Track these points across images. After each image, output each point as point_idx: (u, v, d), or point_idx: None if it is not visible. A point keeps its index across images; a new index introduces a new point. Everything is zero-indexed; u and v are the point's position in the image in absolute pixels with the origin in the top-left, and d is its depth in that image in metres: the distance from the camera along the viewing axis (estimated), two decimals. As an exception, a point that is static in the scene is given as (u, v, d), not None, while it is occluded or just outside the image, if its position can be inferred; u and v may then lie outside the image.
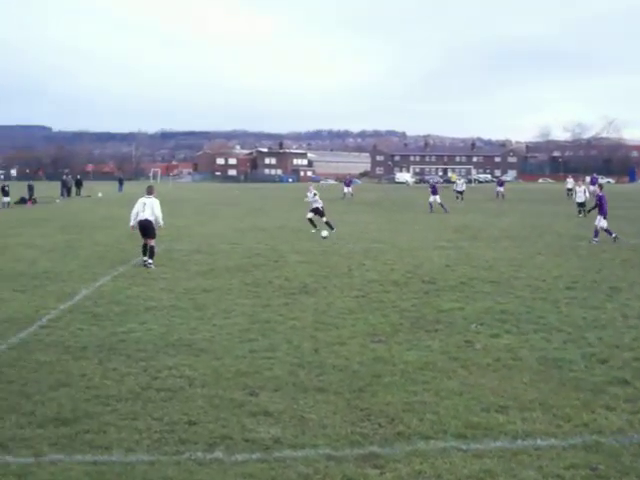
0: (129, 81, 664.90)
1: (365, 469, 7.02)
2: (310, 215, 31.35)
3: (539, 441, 7.71)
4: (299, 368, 10.34)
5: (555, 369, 10.33)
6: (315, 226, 30.74)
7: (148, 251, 20.99)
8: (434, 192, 47.29)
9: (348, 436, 7.82)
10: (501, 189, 66.46)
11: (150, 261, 20.80)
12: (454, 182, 76.78)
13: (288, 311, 14.34)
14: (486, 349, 11.38)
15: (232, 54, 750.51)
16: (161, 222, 21.35)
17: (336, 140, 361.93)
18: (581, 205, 40.89)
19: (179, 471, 6.99)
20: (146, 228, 21.05)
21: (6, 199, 53.40)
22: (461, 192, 60.34)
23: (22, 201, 58.85)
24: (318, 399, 9.02)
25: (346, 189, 68.13)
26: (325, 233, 28.38)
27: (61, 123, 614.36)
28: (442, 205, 45.81)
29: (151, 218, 21.07)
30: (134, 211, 21.28)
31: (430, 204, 46.70)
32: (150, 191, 21.76)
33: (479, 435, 7.87)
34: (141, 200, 21.40)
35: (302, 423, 8.22)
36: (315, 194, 31.11)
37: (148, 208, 21.11)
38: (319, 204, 31.01)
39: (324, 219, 30.84)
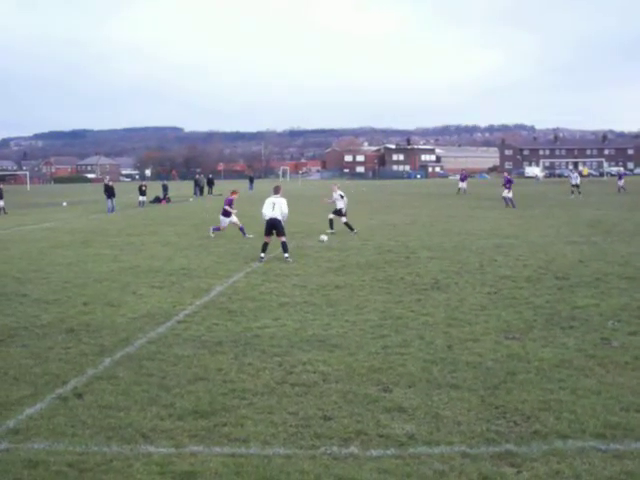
0: (257, 80, 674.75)
1: (501, 467, 6.95)
2: (332, 216, 30.62)
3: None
4: (432, 364, 10.31)
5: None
6: (332, 227, 30.13)
7: (282, 247, 21.99)
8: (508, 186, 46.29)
9: (483, 434, 7.76)
10: (620, 182, 64.65)
11: (287, 255, 21.73)
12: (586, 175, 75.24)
13: (420, 307, 14.31)
14: (624, 347, 11.07)
15: (358, 51, 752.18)
16: (285, 218, 22.54)
17: (464, 135, 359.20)
18: None
19: (315, 465, 7.07)
20: (276, 227, 22.14)
21: (142, 198, 54.99)
22: (576, 185, 58.42)
23: (157, 200, 60.62)
24: (452, 396, 8.98)
25: (461, 184, 67.44)
26: (324, 237, 27.06)
27: (193, 124, 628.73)
28: (511, 200, 44.94)
29: (280, 217, 22.17)
30: (264, 211, 22.35)
31: (504, 199, 45.81)
32: (277, 190, 22.80)
33: (619, 435, 7.67)
34: (270, 200, 22.48)
35: (436, 420, 8.20)
36: (342, 195, 30.09)
37: (277, 207, 22.22)
38: (342, 205, 29.98)
39: (343, 219, 29.90)
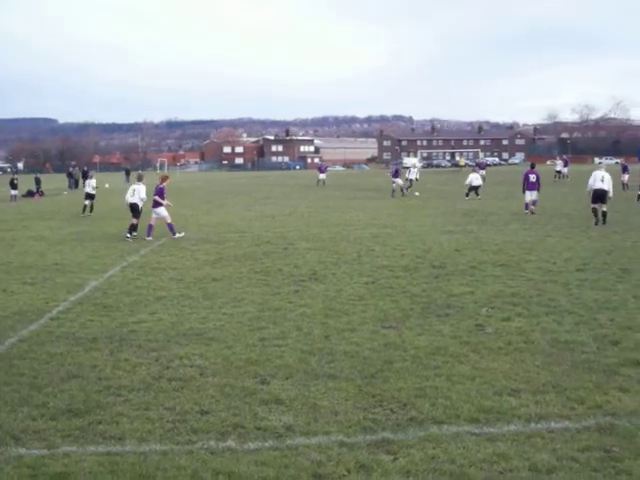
0: (135, 71, 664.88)
1: (378, 455, 7.00)
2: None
3: (552, 424, 7.67)
4: (310, 355, 10.31)
5: (567, 351, 10.28)
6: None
7: (129, 227, 25.42)
8: (395, 175, 47.39)
9: (360, 422, 7.80)
10: (483, 172, 66.54)
11: (128, 235, 25.15)
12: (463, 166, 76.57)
13: (298, 298, 14.32)
14: (497, 333, 11.34)
15: (236, 42, 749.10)
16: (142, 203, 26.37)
17: (343, 126, 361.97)
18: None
19: (192, 460, 6.96)
20: (134, 210, 26.02)
21: (14, 192, 53.28)
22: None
23: (29, 194, 58.92)
24: (329, 386, 8.99)
25: (321, 175, 68.05)
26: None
27: (67, 115, 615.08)
28: (402, 189, 45.93)
29: (138, 202, 26.12)
30: (127, 196, 26.44)
31: (394, 189, 46.82)
32: (139, 178, 27.14)
33: (492, 419, 7.84)
34: (132, 187, 26.71)
35: (314, 410, 8.19)
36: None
37: (136, 193, 26.18)
38: None
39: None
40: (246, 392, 8.85)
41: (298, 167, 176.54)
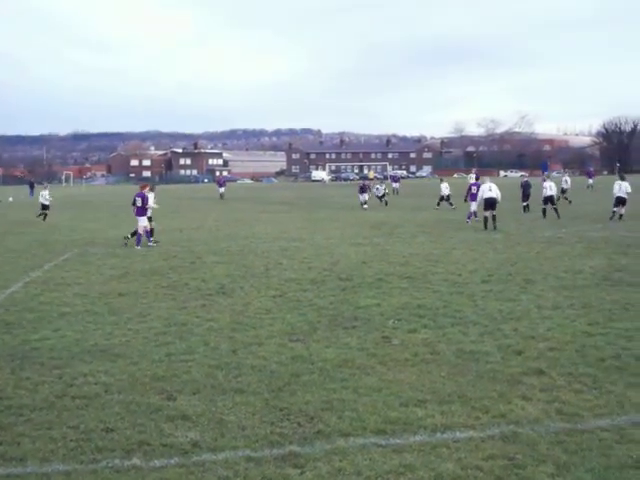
0: (39, 83, 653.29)
1: (285, 469, 6.98)
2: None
3: (457, 433, 7.77)
4: (217, 370, 10.24)
5: (472, 362, 10.44)
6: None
7: (149, 233, 26.49)
8: (363, 191, 47.54)
9: (267, 436, 7.77)
10: (396, 185, 67.41)
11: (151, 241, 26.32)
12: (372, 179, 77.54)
13: (205, 313, 14.21)
14: (404, 344, 11.44)
15: (143, 55, 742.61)
16: None
17: (252, 139, 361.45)
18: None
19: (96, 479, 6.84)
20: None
21: None
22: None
23: None
24: (237, 400, 8.94)
25: (220, 189, 68.03)
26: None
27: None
28: (362, 204, 46.23)
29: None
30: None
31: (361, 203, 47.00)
32: (152, 188, 28.86)
33: (398, 430, 7.89)
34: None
35: (221, 425, 8.13)
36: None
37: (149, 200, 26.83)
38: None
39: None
40: (152, 409, 8.73)
41: (206, 180, 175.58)
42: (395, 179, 70.76)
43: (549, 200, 35.87)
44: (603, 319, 13.06)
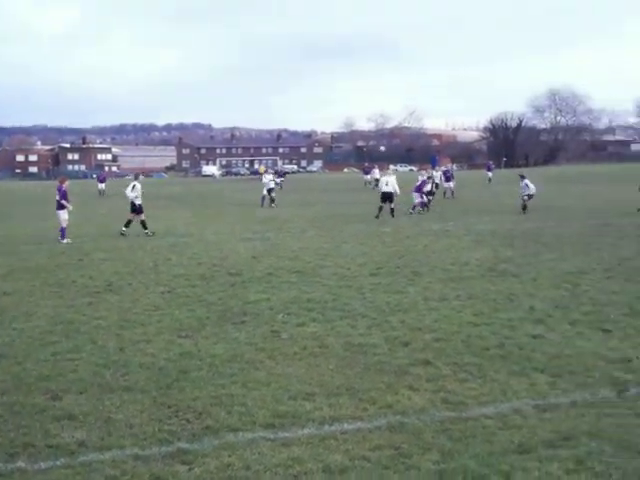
0: None
1: (173, 466, 6.96)
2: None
3: (345, 425, 7.88)
4: (104, 368, 10.10)
5: (360, 354, 10.59)
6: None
7: (142, 224, 27.65)
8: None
9: (155, 434, 7.72)
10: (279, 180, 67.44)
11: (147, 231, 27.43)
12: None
13: (93, 310, 13.98)
14: (293, 338, 11.52)
15: (27, 47, 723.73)
16: None
17: (142, 134, 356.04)
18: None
19: (-22, 484, 6.69)
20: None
21: None
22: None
23: None
24: (124, 399, 8.85)
25: (100, 185, 67.13)
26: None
27: None
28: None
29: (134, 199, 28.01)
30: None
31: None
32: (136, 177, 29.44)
33: (287, 424, 7.96)
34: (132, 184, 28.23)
35: (108, 424, 8.03)
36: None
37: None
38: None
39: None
40: (37, 409, 8.57)
41: (95, 175, 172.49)
42: (280, 174, 70.51)
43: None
44: (488, 309, 13.41)
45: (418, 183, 37.09)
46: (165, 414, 8.33)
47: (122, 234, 27.64)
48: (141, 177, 30.75)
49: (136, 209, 28.44)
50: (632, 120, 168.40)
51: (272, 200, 43.21)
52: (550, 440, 7.42)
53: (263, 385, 9.25)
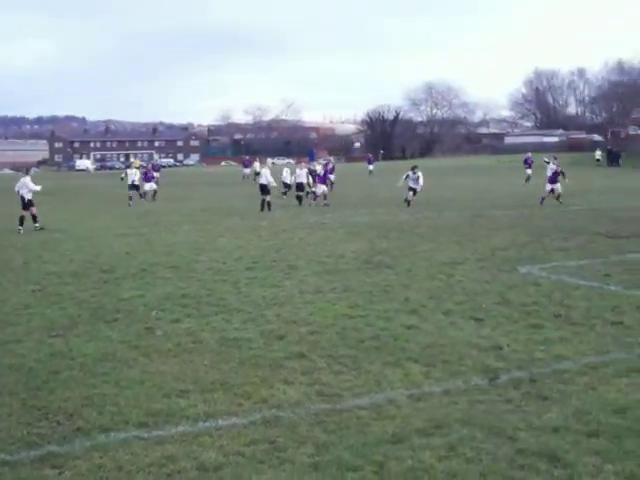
0: None
1: (43, 470, 6.76)
2: None
3: (220, 421, 7.82)
4: (-30, 371, 9.77)
5: (235, 349, 10.54)
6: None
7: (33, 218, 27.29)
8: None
9: (24, 438, 7.48)
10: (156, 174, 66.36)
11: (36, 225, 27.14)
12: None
13: (-42, 311, 13.51)
14: (167, 335, 11.37)
15: None
16: None
17: (11, 127, 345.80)
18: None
19: None
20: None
21: None
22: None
23: None
24: (-9, 402, 8.57)
25: None
26: None
27: None
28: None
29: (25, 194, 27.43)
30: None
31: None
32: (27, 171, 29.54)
33: (161, 422, 7.84)
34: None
35: (-27, 430, 7.77)
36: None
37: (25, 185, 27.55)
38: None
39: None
40: None
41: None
42: (156, 168, 69.25)
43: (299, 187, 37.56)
44: (363, 301, 13.54)
45: (321, 174, 37.87)
46: (34, 417, 8.09)
47: (18, 231, 26.71)
48: (33, 170, 30.07)
49: (26, 204, 27.76)
50: (505, 113, 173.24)
51: (141, 196, 42.48)
52: (423, 429, 7.53)
53: (136, 383, 9.09)
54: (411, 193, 34.74)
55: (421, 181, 34.86)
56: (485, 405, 8.20)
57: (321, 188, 37.07)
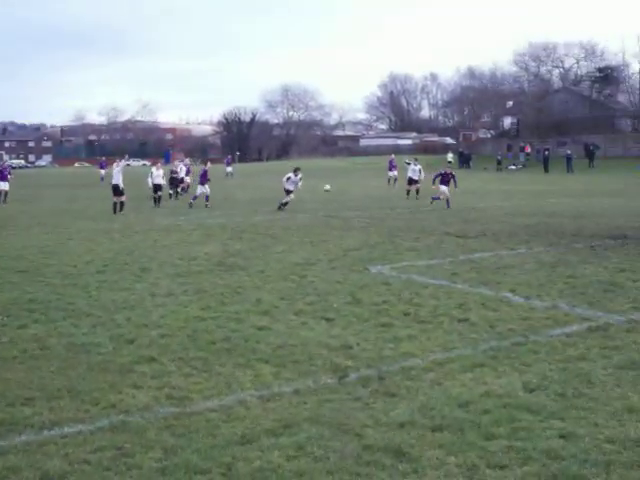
0: None
1: None
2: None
3: (66, 429, 7.63)
4: None
5: (83, 354, 10.32)
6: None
7: None
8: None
9: None
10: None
11: None
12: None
13: None
14: (13, 341, 11.00)
15: None
16: None
17: None
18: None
19: None
20: None
21: None
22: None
23: None
24: None
25: None
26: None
27: None
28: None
29: None
30: None
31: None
32: None
33: (3, 431, 7.58)
34: None
35: None
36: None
37: None
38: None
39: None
40: None
41: None
42: (6, 170, 66.98)
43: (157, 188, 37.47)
44: (215, 303, 13.51)
45: (201, 172, 37.55)
46: None
47: None
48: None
49: None
50: (361, 116, 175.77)
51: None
52: (272, 429, 7.57)
53: (-22, 393, 8.81)
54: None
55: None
56: (334, 404, 8.31)
57: (201, 189, 37.00)
